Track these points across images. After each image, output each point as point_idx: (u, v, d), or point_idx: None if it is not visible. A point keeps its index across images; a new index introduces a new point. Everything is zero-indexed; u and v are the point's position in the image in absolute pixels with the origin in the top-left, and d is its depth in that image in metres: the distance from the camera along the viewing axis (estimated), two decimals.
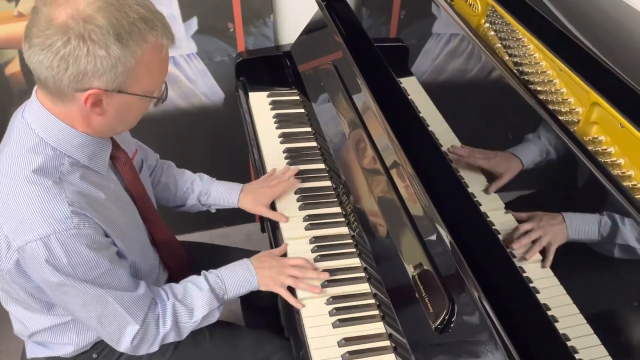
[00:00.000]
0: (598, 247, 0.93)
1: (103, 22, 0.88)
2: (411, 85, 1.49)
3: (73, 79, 0.90)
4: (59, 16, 0.88)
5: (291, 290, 1.24)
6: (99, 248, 1.02)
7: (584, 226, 0.95)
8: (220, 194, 1.45)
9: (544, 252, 1.00)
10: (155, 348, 1.16)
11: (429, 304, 1.05)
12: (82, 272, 1.00)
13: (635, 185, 0.90)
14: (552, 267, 0.99)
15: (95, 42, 0.88)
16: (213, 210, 1.50)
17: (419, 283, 1.09)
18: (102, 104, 0.96)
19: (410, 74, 1.54)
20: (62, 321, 1.16)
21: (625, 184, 0.90)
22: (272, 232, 1.41)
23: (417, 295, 1.08)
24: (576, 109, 1.02)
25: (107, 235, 1.05)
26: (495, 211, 1.11)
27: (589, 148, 0.95)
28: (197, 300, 1.18)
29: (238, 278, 1.22)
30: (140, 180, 1.21)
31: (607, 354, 0.89)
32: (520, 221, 1.04)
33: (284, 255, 1.31)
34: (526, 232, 1.02)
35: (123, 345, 1.12)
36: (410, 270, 1.11)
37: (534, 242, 1.01)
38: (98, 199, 1.04)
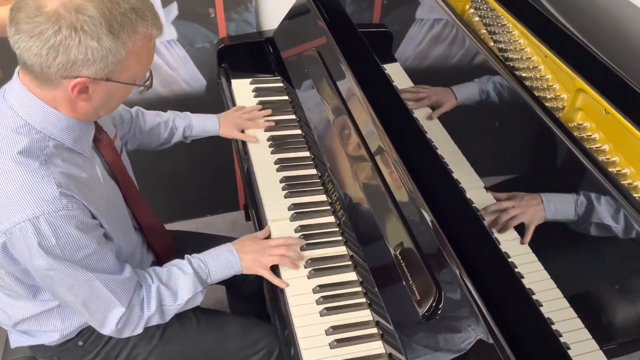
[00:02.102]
0: (575, 226, 0.95)
1: (95, 13, 0.88)
2: (395, 72, 1.48)
3: (62, 67, 0.90)
4: (50, 3, 0.87)
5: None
6: (87, 229, 1.01)
7: (561, 206, 0.96)
8: (202, 124, 1.55)
9: (523, 230, 1.01)
10: (139, 330, 1.16)
11: (415, 291, 1.06)
12: (70, 253, 0.99)
13: (620, 170, 0.91)
14: (536, 251, 0.99)
15: (87, 33, 0.88)
16: (188, 142, 1.58)
17: (406, 270, 1.09)
18: (88, 90, 0.96)
19: (393, 59, 1.53)
20: (47, 308, 1.14)
21: (609, 170, 0.91)
22: (256, 220, 1.40)
23: (403, 282, 1.08)
24: (561, 95, 1.02)
25: (94, 217, 1.04)
26: (477, 190, 1.11)
27: (574, 134, 0.95)
28: (181, 283, 1.18)
29: (221, 262, 1.23)
30: (122, 161, 1.20)
31: (590, 336, 0.90)
32: (502, 198, 1.05)
33: (268, 237, 1.31)
34: (505, 209, 1.03)
35: (107, 328, 1.12)
36: (397, 257, 1.11)
37: (511, 219, 1.02)
38: (83, 180, 1.03)
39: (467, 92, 1.17)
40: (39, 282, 1.07)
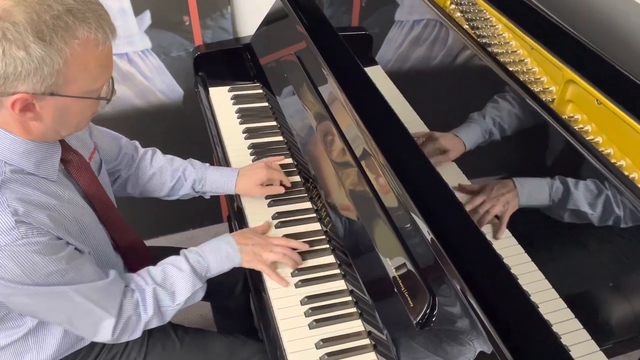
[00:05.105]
0: (551, 212, 0.92)
1: (20, 19, 0.79)
2: (376, 75, 1.45)
3: None
4: None
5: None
6: (53, 252, 0.94)
7: (535, 190, 0.93)
8: (216, 181, 1.36)
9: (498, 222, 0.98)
10: (137, 335, 1.10)
11: (408, 298, 1.01)
12: (39, 278, 0.93)
13: (615, 163, 0.87)
14: (524, 246, 0.96)
15: (11, 41, 0.79)
16: (207, 197, 1.42)
17: (397, 277, 1.04)
18: (34, 108, 0.87)
19: (374, 63, 1.50)
20: (19, 336, 1.07)
21: None
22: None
23: (395, 289, 1.04)
24: (550, 88, 0.99)
25: (59, 238, 0.97)
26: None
27: (568, 123, 0.92)
28: (179, 282, 1.12)
29: (220, 255, 1.17)
30: (99, 182, 1.13)
31: (590, 337, 0.87)
32: (472, 192, 1.02)
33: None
34: (478, 205, 1.00)
35: (101, 338, 1.06)
36: (388, 264, 1.07)
37: (484, 214, 0.99)
38: (47, 206, 0.95)
39: (474, 136, 1.12)
40: (20, 311, 1.02)
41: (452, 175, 1.10)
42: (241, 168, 1.38)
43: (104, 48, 0.89)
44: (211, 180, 1.36)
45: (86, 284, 1.00)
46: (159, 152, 1.40)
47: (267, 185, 1.35)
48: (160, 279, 1.12)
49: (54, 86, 0.85)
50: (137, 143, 1.38)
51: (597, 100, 0.87)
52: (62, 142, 1.03)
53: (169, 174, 1.36)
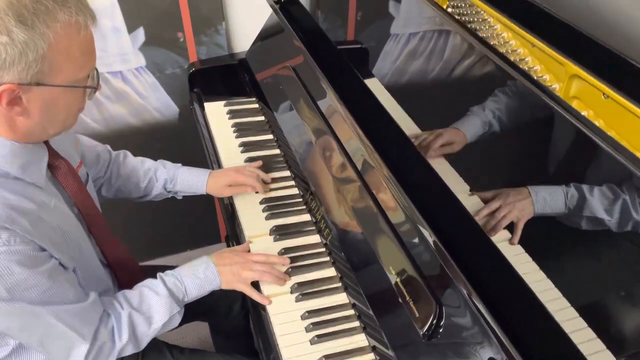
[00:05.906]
0: (567, 221, 0.90)
1: (0, 4, 0.78)
2: (374, 88, 1.42)
3: None
4: None
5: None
6: (34, 264, 0.90)
7: (550, 198, 0.91)
8: (188, 180, 1.37)
9: (512, 228, 0.96)
10: None
11: (414, 309, 0.96)
12: (17, 292, 0.89)
13: None
14: (532, 253, 0.93)
15: None
16: (179, 197, 1.42)
17: (402, 287, 1.00)
18: (21, 101, 0.85)
19: (371, 75, 1.48)
20: (3, 355, 1.02)
21: None
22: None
23: (400, 300, 0.99)
24: (553, 86, 0.96)
25: (42, 249, 0.93)
26: (461, 194, 1.05)
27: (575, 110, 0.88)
28: (155, 306, 1.07)
29: (198, 278, 1.13)
30: (86, 190, 1.09)
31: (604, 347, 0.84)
32: (486, 201, 1.00)
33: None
34: (493, 212, 0.98)
35: None
36: (392, 275, 1.03)
37: (501, 219, 0.97)
38: (32, 213, 0.91)
39: (474, 127, 1.10)
40: None
41: (459, 184, 1.07)
42: (214, 170, 1.40)
43: (86, 34, 0.87)
44: (182, 180, 1.37)
45: (63, 306, 0.95)
46: (130, 154, 1.39)
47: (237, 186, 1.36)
48: (137, 303, 1.07)
49: (39, 75, 0.83)
50: (108, 147, 1.37)
51: (603, 94, 0.84)
52: (49, 148, 1.00)
53: (141, 175, 1.36)
